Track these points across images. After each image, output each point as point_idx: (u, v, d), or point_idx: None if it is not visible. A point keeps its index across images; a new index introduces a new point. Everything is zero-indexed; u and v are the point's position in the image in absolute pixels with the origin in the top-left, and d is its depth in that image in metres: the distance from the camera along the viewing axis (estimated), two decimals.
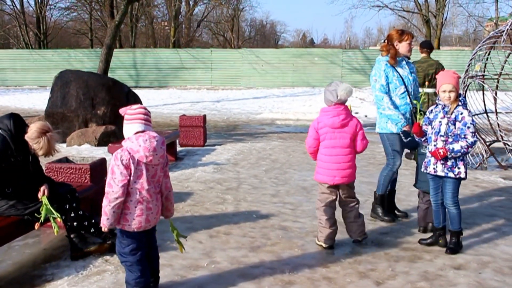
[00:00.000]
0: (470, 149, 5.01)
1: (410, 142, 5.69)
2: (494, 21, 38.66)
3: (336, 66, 32.99)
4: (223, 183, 8.12)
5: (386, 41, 6.18)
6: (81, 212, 5.11)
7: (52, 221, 4.77)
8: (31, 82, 34.56)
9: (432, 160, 5.19)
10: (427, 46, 10.33)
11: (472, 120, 5.02)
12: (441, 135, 5.09)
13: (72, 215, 5.04)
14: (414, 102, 5.96)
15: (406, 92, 6.02)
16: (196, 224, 6.10)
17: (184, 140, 11.71)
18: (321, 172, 5.31)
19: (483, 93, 10.16)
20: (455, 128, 5.02)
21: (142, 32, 53.72)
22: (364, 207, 6.75)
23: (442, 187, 5.26)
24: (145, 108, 3.88)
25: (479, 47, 9.63)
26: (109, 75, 18.87)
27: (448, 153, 5.00)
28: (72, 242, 5.08)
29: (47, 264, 4.99)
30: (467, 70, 9.65)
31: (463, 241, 5.44)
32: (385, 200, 6.29)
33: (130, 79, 32.86)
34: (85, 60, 34.21)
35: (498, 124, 9.77)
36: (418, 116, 5.53)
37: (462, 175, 5.09)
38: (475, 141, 5.03)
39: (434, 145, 5.14)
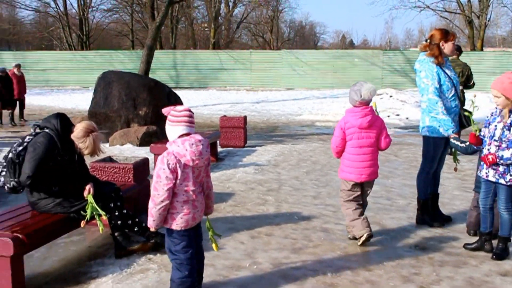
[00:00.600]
0: None
1: (465, 148, 5.60)
2: None
3: (376, 67, 32.70)
4: (264, 184, 8.12)
5: (428, 41, 6.06)
6: (125, 211, 5.17)
7: (97, 219, 4.85)
8: (74, 82, 35.17)
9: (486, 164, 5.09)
10: (457, 49, 11.00)
11: None
12: (494, 140, 4.97)
13: (117, 213, 5.11)
14: (466, 114, 5.82)
15: (456, 94, 5.91)
16: (237, 225, 6.11)
17: (224, 141, 11.75)
18: (348, 170, 5.44)
19: None
20: (509, 133, 4.87)
21: (182, 33, 54.22)
22: (407, 210, 6.70)
23: (494, 192, 5.14)
24: (189, 110, 3.87)
25: None
26: (150, 76, 19.09)
27: (498, 159, 4.89)
28: (116, 240, 5.15)
29: (92, 261, 5.07)
30: None
31: (510, 246, 5.34)
32: (429, 205, 6.18)
33: (170, 80, 33.13)
34: (126, 61, 34.64)
35: None
36: (472, 127, 5.37)
37: None
38: None
39: (488, 149, 5.02)
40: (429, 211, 6.17)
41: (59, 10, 45.23)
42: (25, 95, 17.64)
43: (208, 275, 4.60)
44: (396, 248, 5.41)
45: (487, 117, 5.22)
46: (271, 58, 34.46)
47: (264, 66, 34.08)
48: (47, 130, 4.93)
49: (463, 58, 10.17)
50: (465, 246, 5.36)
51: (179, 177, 3.77)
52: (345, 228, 5.75)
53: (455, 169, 6.25)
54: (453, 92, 5.88)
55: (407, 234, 5.83)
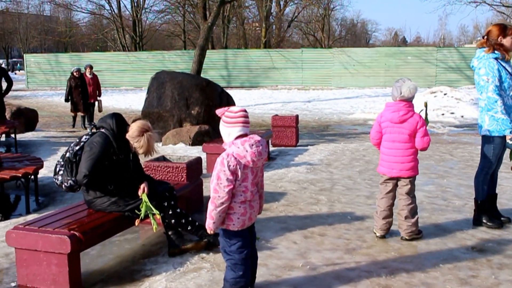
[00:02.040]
0: None
1: None
2: None
3: (430, 65, 32.16)
4: (316, 184, 8.06)
5: (485, 37, 5.88)
6: (178, 210, 5.20)
7: (151, 218, 4.90)
8: (127, 83, 35.86)
9: None
10: None
11: None
12: None
13: (170, 212, 5.15)
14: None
15: None
16: (290, 224, 6.09)
17: (276, 140, 11.75)
18: (382, 164, 5.56)
19: None
20: None
21: (233, 33, 54.47)
22: (464, 211, 6.54)
23: None
24: (245, 111, 3.85)
25: None
26: (202, 75, 19.23)
27: None
28: (170, 239, 5.19)
29: (145, 259, 5.12)
30: None
31: None
32: (487, 206, 6.02)
33: (221, 79, 33.38)
34: (179, 61, 35.08)
35: None
36: None
37: None
38: None
39: None
40: (487, 212, 6.00)
41: (113, 12, 46.23)
42: (99, 98, 16.58)
43: (261, 274, 4.58)
44: (453, 249, 5.28)
45: None
46: (322, 57, 34.30)
47: (315, 65, 33.96)
48: (103, 130, 5.01)
49: None
50: None
51: (238, 178, 3.76)
52: (398, 228, 5.65)
53: None
54: None
55: (464, 236, 5.69)
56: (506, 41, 5.70)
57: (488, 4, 38.41)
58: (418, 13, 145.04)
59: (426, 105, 5.64)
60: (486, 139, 5.85)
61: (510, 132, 5.57)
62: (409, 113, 5.32)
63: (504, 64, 5.69)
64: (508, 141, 5.58)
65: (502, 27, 5.79)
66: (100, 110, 16.34)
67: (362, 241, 5.53)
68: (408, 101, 5.35)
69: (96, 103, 16.46)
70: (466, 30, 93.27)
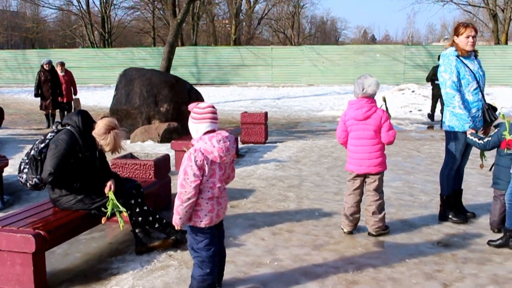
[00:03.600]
0: None
1: (483, 144, 5.54)
2: None
3: (399, 62, 32.44)
4: (285, 181, 8.08)
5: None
6: (146, 208, 5.17)
7: (118, 215, 4.86)
8: (96, 80, 35.42)
9: None
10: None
11: None
12: None
13: (137, 210, 5.11)
14: (502, 118, 5.69)
15: (478, 88, 5.81)
16: (258, 221, 6.09)
17: (245, 137, 11.75)
18: (349, 161, 5.59)
19: None
20: None
21: (203, 30, 54.27)
22: (430, 206, 6.62)
23: None
24: (213, 106, 3.84)
25: None
26: (171, 72, 19.12)
27: None
28: (137, 236, 5.15)
29: (112, 258, 5.08)
30: None
31: None
32: (452, 201, 6.11)
33: (191, 76, 33.22)
34: (148, 58, 34.79)
35: None
36: (505, 133, 5.26)
37: None
38: None
39: None
40: (452, 207, 6.09)
41: (81, 8, 45.55)
42: (76, 97, 15.87)
43: (229, 272, 4.58)
44: (419, 244, 5.35)
45: None
46: (292, 54, 34.35)
47: (285, 62, 33.98)
48: (68, 127, 4.96)
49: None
50: (489, 242, 5.27)
51: (206, 174, 3.75)
52: (365, 224, 5.70)
53: (481, 166, 6.12)
54: (474, 86, 5.77)
55: (430, 231, 5.76)
56: (459, 40, 5.83)
57: (455, 3, 39.07)
58: (387, 11, 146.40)
59: (385, 100, 5.70)
60: (449, 135, 5.95)
61: (469, 127, 5.66)
62: (372, 109, 5.38)
63: (466, 61, 5.79)
64: (468, 136, 5.68)
65: (456, 26, 5.96)
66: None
67: (329, 237, 5.56)
68: (370, 97, 5.41)
69: (72, 102, 15.64)
70: (434, 29, 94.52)
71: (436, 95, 15.78)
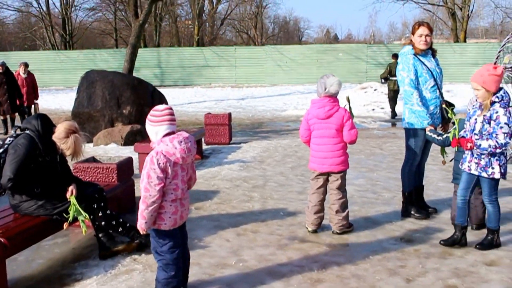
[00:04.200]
0: (499, 150, 4.81)
1: (442, 141, 5.62)
2: None
3: (361, 61, 32.81)
4: (249, 181, 8.09)
5: None
6: (108, 212, 5.13)
7: (80, 220, 4.80)
8: (58, 82, 34.99)
9: (468, 157, 5.06)
10: (396, 55, 14.92)
11: (508, 120, 4.77)
12: (475, 133, 4.93)
13: (100, 214, 5.06)
14: (450, 116, 5.77)
15: (436, 86, 5.91)
16: (223, 222, 6.09)
17: (209, 138, 11.73)
18: (312, 160, 5.64)
19: None
20: (489, 126, 4.83)
21: (166, 31, 53.99)
22: (393, 203, 6.71)
23: (475, 185, 5.15)
24: (170, 108, 3.85)
25: (508, 39, 9.44)
26: (134, 74, 18.99)
27: (475, 147, 4.86)
28: (100, 241, 5.10)
29: (76, 263, 5.01)
30: (495, 63, 9.48)
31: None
32: (414, 197, 6.20)
33: (155, 78, 33.06)
34: (110, 60, 34.49)
35: None
36: (453, 132, 5.30)
37: (496, 176, 4.93)
38: (507, 143, 4.80)
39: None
40: (414, 203, 6.18)
41: (41, 10, 44.95)
42: (36, 102, 15.12)
43: (194, 274, 4.57)
44: (382, 241, 5.41)
45: (468, 110, 5.25)
46: (255, 54, 34.45)
47: (248, 62, 34.07)
48: (28, 132, 4.87)
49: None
50: (441, 242, 5.29)
51: (169, 176, 3.74)
52: (329, 223, 5.74)
53: (443, 162, 6.21)
54: (432, 83, 5.88)
55: (393, 227, 5.84)
56: (414, 39, 5.94)
57: (415, 2, 39.67)
58: (349, 10, 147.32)
59: (348, 100, 5.76)
60: (408, 132, 6.05)
61: (428, 124, 5.75)
62: (335, 108, 5.43)
63: (423, 59, 5.89)
64: (427, 132, 5.76)
65: (413, 25, 6.06)
66: None
67: (294, 237, 5.59)
68: (333, 96, 5.45)
69: (33, 106, 14.97)
70: (395, 27, 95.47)
71: (392, 91, 16.30)
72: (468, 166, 5.07)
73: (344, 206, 5.57)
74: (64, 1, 44.59)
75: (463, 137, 5.12)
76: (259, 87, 31.75)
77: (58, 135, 4.87)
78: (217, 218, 6.29)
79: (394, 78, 15.79)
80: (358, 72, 32.38)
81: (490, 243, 5.14)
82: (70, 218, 4.79)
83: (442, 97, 5.98)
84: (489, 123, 4.83)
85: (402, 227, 5.83)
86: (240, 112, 19.40)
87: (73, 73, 33.53)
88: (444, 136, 5.61)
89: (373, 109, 18.34)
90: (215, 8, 50.40)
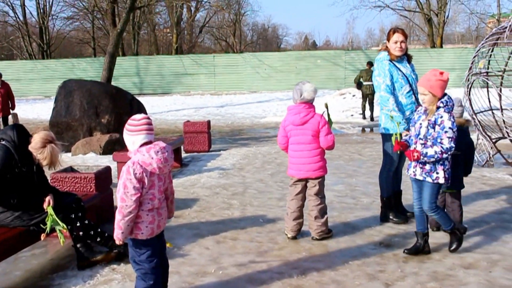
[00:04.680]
0: (445, 155, 4.79)
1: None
2: (496, 17, 38.45)
3: (339, 67, 32.99)
4: (229, 188, 8.09)
5: None
6: (86, 221, 5.09)
7: (58, 231, 4.76)
8: (36, 92, 34.75)
9: (413, 163, 5.05)
10: (370, 63, 16.95)
11: (453, 125, 4.77)
12: (420, 138, 4.92)
13: (78, 224, 5.02)
14: (391, 119, 5.79)
15: (412, 91, 5.97)
16: (202, 230, 6.07)
17: (189, 146, 11.71)
18: (290, 166, 5.65)
19: (488, 90, 10.09)
20: (434, 131, 4.83)
21: (144, 39, 53.87)
22: (372, 208, 6.74)
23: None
24: (148, 118, 3.83)
25: (482, 44, 9.57)
26: (113, 83, 18.92)
27: (422, 157, 4.84)
28: (79, 251, 5.06)
29: (54, 274, 4.96)
30: (470, 68, 9.61)
31: (472, 239, 5.45)
32: (392, 202, 6.23)
33: (133, 86, 32.96)
34: (89, 69, 34.33)
35: (504, 121, 9.72)
36: (395, 134, 5.20)
37: (441, 181, 4.91)
38: (451, 147, 4.77)
39: (414, 147, 5.01)
40: (393, 208, 6.22)
41: (18, 19, 44.57)
42: (14, 112, 14.64)
43: (174, 282, 4.55)
44: (361, 246, 5.44)
45: (413, 115, 5.25)
46: (234, 62, 34.49)
47: (227, 70, 34.10)
48: (3, 142, 4.81)
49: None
50: (405, 251, 5.21)
51: (145, 186, 3.72)
52: (308, 229, 5.75)
53: None
54: (408, 89, 5.94)
55: (372, 232, 5.87)
56: (389, 45, 6.00)
57: (392, 8, 40.01)
58: (327, 17, 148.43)
59: (326, 106, 5.78)
60: (385, 137, 6.09)
61: (404, 129, 5.80)
62: (310, 113, 5.46)
63: (399, 65, 5.95)
64: (403, 137, 5.80)
65: (388, 32, 6.12)
66: None
67: (274, 243, 5.59)
68: (308, 102, 5.48)
69: (10, 117, 14.52)
70: (373, 34, 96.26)
71: (365, 95, 16.72)
72: (414, 172, 5.05)
73: (323, 212, 5.59)
74: (41, 10, 44.30)
75: (406, 141, 5.14)
76: (238, 94, 31.77)
77: (34, 145, 4.82)
78: (197, 226, 6.27)
79: (367, 83, 17.18)
80: (337, 79, 32.56)
81: (459, 241, 5.17)
82: (48, 229, 4.74)
83: (418, 103, 6.03)
84: (434, 128, 4.83)
85: (381, 232, 5.86)
86: (219, 120, 19.41)
87: (51, 83, 33.32)
88: None
89: (352, 115, 18.46)
90: (193, 16, 50.42)
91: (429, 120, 4.88)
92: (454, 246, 5.18)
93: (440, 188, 5.08)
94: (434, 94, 4.80)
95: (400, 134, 5.22)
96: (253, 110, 22.64)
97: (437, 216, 5.09)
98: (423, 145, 4.91)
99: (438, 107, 4.83)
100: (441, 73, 4.83)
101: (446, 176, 4.94)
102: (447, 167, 4.94)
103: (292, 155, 5.59)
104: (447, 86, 4.88)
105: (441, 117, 4.80)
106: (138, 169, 3.67)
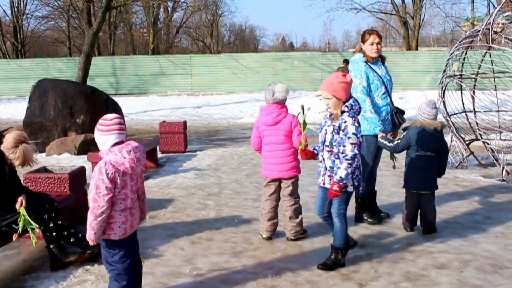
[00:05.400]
0: (354, 164, 4.59)
1: (393, 147, 5.73)
2: (471, 21, 38.87)
3: (316, 69, 33.06)
4: (204, 189, 8.08)
5: None
6: (60, 222, 5.04)
7: (30, 232, 4.71)
8: (10, 92, 34.28)
9: (322, 170, 4.85)
10: (347, 61, 16.45)
11: (357, 130, 4.60)
12: (326, 145, 4.75)
13: (51, 225, 4.97)
14: (301, 116, 5.75)
15: (387, 93, 6.02)
16: (177, 231, 6.06)
17: (164, 146, 11.67)
18: (263, 167, 5.69)
19: (461, 93, 10.21)
20: (339, 136, 4.64)
21: (120, 39, 53.51)
22: (348, 209, 6.74)
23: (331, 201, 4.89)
24: (119, 117, 3.81)
25: (456, 47, 9.69)
26: (89, 83, 18.77)
27: (341, 183, 4.57)
28: (52, 252, 5.01)
29: (26, 275, 4.91)
30: (445, 70, 9.72)
31: (444, 240, 5.50)
32: (367, 203, 6.28)
33: (109, 86, 32.70)
34: (64, 68, 33.98)
35: (477, 123, 9.83)
36: (300, 141, 5.11)
37: (349, 189, 4.76)
38: (355, 155, 4.59)
39: (322, 155, 4.83)
40: (367, 209, 6.26)
41: None
42: None
43: (148, 283, 4.54)
44: None
45: (322, 121, 5.01)
46: (211, 62, 34.38)
47: (204, 70, 33.98)
48: None
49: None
50: (319, 266, 4.91)
51: (118, 186, 3.70)
52: (283, 229, 5.76)
53: (394, 167, 6.34)
54: (383, 90, 5.99)
55: None
56: (365, 47, 6.04)
57: (368, 11, 40.23)
58: (304, 18, 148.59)
59: (303, 108, 5.76)
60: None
61: (380, 130, 5.84)
62: (282, 114, 5.50)
63: (374, 67, 5.99)
64: (379, 139, 5.87)
65: (362, 34, 6.19)
66: None
67: (248, 244, 5.60)
68: (281, 103, 5.51)
69: None
70: (350, 35, 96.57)
71: None
72: (323, 180, 4.85)
73: (297, 212, 5.61)
74: (15, 9, 43.75)
75: (314, 149, 4.97)
76: (215, 95, 31.72)
77: (6, 145, 4.76)
78: (172, 226, 6.25)
79: None
80: (314, 80, 32.58)
81: (334, 263, 4.91)
82: (20, 229, 4.69)
83: (393, 104, 6.09)
84: (338, 133, 4.66)
85: (355, 232, 5.89)
86: (196, 120, 19.37)
87: (25, 82, 32.89)
88: (395, 142, 5.72)
89: None
90: (170, 16, 50.18)
91: (333, 125, 4.70)
92: (326, 262, 4.91)
93: (350, 196, 4.90)
94: (338, 98, 4.63)
95: (307, 144, 5.06)
96: (230, 110, 22.63)
97: (340, 225, 4.88)
98: (329, 152, 4.72)
99: (342, 112, 4.67)
100: (344, 75, 4.66)
101: (356, 184, 4.78)
102: (355, 174, 4.73)
103: (265, 155, 5.62)
104: (351, 88, 4.72)
105: (345, 122, 4.62)
106: (111, 169, 3.65)
